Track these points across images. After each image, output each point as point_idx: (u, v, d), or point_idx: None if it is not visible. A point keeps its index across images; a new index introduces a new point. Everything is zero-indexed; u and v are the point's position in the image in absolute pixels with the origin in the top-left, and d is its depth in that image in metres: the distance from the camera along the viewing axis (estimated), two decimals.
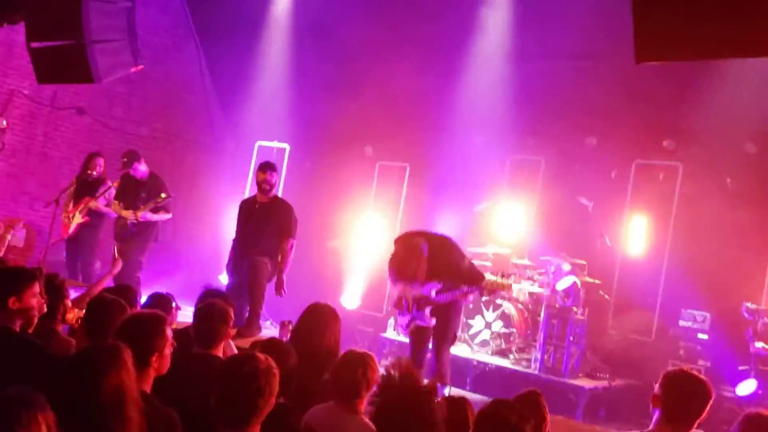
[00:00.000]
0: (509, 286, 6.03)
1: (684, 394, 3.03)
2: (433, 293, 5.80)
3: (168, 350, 3.14)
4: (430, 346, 5.99)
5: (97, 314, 3.73)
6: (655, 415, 3.15)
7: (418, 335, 5.96)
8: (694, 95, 8.06)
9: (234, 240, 7.35)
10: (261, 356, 2.76)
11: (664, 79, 7.99)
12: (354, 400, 3.45)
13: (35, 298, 3.72)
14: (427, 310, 5.83)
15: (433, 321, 5.83)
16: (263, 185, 7.18)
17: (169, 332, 3.18)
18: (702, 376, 3.24)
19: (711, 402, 3.08)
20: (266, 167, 7.26)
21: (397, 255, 5.79)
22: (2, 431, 1.97)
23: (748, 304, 7.04)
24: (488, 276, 5.94)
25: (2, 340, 3.40)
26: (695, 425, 3.04)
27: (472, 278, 5.85)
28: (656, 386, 3.17)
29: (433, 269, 5.72)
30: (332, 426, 3.31)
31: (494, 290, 5.97)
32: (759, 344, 6.73)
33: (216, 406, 2.66)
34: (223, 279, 7.20)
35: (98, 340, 3.23)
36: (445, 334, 5.93)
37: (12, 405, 2.03)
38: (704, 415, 3.07)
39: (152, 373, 3.08)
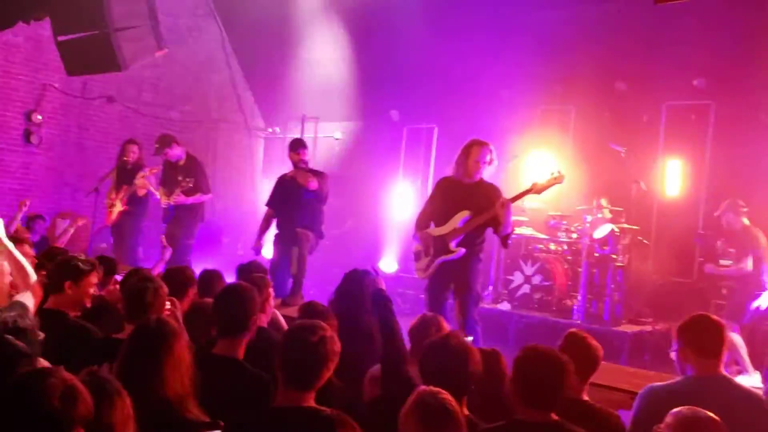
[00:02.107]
0: (561, 177, 5.68)
1: (706, 330, 3.04)
2: (460, 224, 5.62)
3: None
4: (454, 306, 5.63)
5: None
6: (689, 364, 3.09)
7: (439, 277, 5.67)
8: (721, 30, 7.88)
9: (269, 212, 7.49)
10: (324, 324, 2.82)
11: (689, 17, 7.83)
12: None
13: (91, 288, 3.95)
14: (453, 242, 5.62)
15: (461, 251, 5.57)
16: (299, 164, 7.31)
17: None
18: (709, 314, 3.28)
19: (725, 330, 3.11)
20: (297, 146, 7.35)
21: None
22: (102, 410, 2.07)
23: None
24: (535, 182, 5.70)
25: (57, 323, 3.57)
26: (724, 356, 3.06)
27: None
28: (674, 344, 3.17)
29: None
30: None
31: (542, 190, 5.72)
32: (709, 265, 7.38)
33: (283, 371, 2.71)
34: (267, 253, 7.37)
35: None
36: (469, 287, 5.59)
37: (108, 387, 2.16)
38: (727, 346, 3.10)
39: (245, 340, 3.32)
